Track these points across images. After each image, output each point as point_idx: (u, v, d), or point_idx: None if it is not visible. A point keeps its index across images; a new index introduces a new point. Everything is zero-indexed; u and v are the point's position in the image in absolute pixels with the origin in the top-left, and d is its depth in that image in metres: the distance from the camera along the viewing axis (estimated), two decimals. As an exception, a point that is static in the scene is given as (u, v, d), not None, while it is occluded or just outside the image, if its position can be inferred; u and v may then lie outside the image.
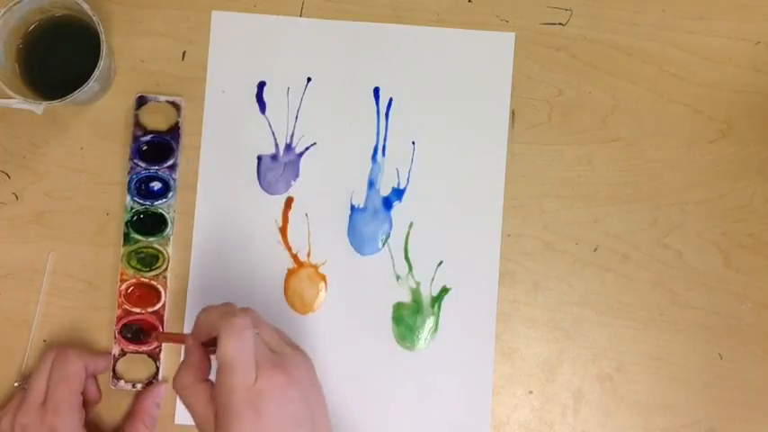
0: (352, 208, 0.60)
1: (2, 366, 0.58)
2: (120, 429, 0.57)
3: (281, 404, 0.45)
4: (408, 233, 0.60)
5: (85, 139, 0.60)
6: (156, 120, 0.60)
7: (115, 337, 0.58)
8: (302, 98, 0.61)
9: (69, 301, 0.59)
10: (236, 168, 0.60)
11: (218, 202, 0.60)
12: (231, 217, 0.60)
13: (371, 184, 0.60)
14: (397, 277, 0.60)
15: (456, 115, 0.61)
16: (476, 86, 0.61)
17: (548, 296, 0.60)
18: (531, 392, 0.60)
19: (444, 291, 0.60)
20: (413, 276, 0.60)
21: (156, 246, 0.59)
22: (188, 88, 0.60)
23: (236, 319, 0.46)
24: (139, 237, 0.58)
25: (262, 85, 0.61)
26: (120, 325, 0.58)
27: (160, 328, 0.58)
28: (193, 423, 0.47)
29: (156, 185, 0.59)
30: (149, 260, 0.59)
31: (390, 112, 0.61)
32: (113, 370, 0.58)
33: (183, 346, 0.54)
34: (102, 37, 0.53)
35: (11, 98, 0.54)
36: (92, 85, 0.54)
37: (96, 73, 0.53)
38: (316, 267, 0.60)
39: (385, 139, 0.61)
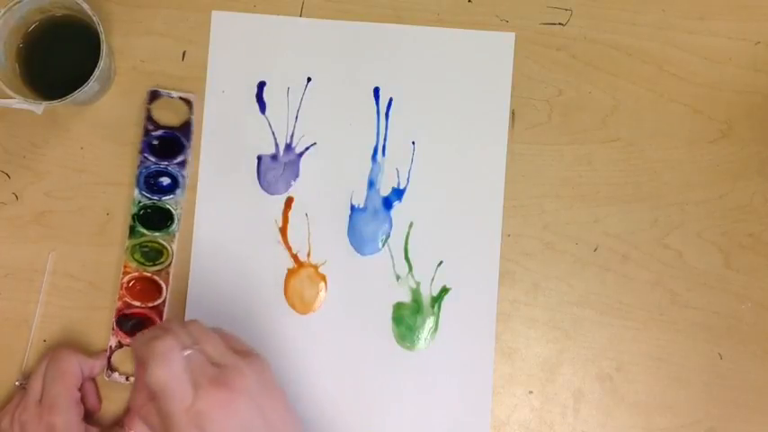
0: (352, 208, 0.60)
1: (2, 366, 0.58)
2: (120, 422, 0.58)
3: (225, 420, 0.44)
4: (408, 233, 0.60)
5: (85, 139, 0.60)
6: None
7: (113, 328, 0.58)
8: (302, 98, 0.61)
9: (69, 301, 0.59)
10: (236, 168, 0.60)
11: (218, 202, 0.60)
12: (231, 217, 0.60)
13: (371, 184, 0.60)
14: (397, 277, 0.60)
15: (456, 115, 0.61)
16: (476, 86, 0.61)
17: (548, 296, 0.60)
18: (531, 392, 0.60)
19: (444, 291, 0.60)
20: (413, 276, 0.60)
21: (160, 241, 0.59)
22: (188, 88, 0.60)
23: (157, 343, 0.45)
24: (145, 231, 0.59)
25: (262, 85, 0.61)
26: (118, 316, 0.58)
27: (159, 322, 0.58)
28: None
29: (165, 181, 0.59)
30: (153, 255, 0.59)
31: (390, 112, 0.61)
32: (108, 360, 0.58)
33: None
34: (102, 37, 0.54)
35: (11, 98, 0.54)
36: (92, 85, 0.54)
37: (96, 73, 0.53)
38: (316, 267, 0.60)
39: (385, 139, 0.61)
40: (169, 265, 0.59)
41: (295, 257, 0.60)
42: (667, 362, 0.60)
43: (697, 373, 0.60)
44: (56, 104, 0.54)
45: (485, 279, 0.60)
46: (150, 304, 0.58)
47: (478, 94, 0.61)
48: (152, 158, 0.59)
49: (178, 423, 0.44)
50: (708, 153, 0.61)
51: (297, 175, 0.60)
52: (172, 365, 0.45)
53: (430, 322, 0.59)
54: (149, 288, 0.59)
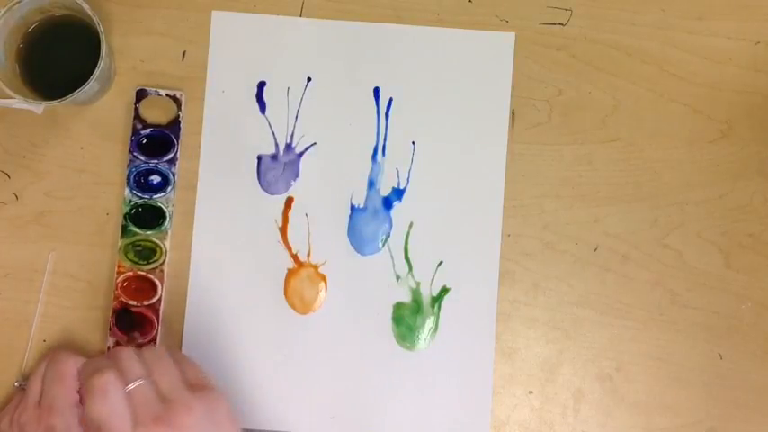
0: (352, 208, 0.60)
1: (2, 366, 0.58)
2: None
3: None
4: (408, 233, 0.60)
5: (85, 139, 0.60)
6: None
7: (110, 329, 0.58)
8: (302, 98, 0.61)
9: (69, 300, 0.59)
10: (236, 168, 0.60)
11: (218, 202, 0.60)
12: (231, 217, 0.60)
13: (371, 184, 0.60)
14: (397, 277, 0.60)
15: (456, 115, 0.61)
16: (476, 86, 0.61)
17: (548, 296, 0.60)
18: (531, 392, 0.60)
19: (444, 291, 0.60)
20: (413, 276, 0.60)
21: (153, 239, 0.59)
22: (188, 88, 0.60)
23: (95, 378, 0.45)
24: (137, 230, 0.59)
25: (262, 85, 0.61)
26: (114, 315, 0.58)
27: (156, 321, 0.58)
28: None
29: (156, 179, 0.59)
30: (147, 253, 0.59)
31: (390, 112, 0.61)
32: None
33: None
34: (102, 37, 0.53)
35: (11, 98, 0.54)
36: (92, 85, 0.54)
37: (96, 73, 0.53)
38: (316, 267, 0.60)
39: (385, 139, 0.61)
40: (163, 263, 0.59)
41: (295, 257, 0.60)
42: (667, 362, 0.60)
43: (697, 373, 0.60)
44: (56, 104, 0.54)
45: (485, 279, 0.60)
46: (146, 303, 0.58)
47: (478, 94, 0.61)
48: (141, 157, 0.59)
49: None
50: (708, 153, 0.61)
51: (297, 175, 0.60)
52: (110, 401, 0.45)
53: (430, 322, 0.59)
54: (144, 287, 0.58)
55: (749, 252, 0.60)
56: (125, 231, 0.59)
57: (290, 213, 0.60)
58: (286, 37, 0.61)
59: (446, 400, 0.59)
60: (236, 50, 0.61)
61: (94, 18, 0.53)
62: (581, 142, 0.61)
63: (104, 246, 0.59)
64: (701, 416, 0.59)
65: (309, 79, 0.61)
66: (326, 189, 0.60)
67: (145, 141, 0.59)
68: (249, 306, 0.59)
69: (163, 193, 0.59)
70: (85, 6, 0.53)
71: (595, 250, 0.60)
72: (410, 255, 0.60)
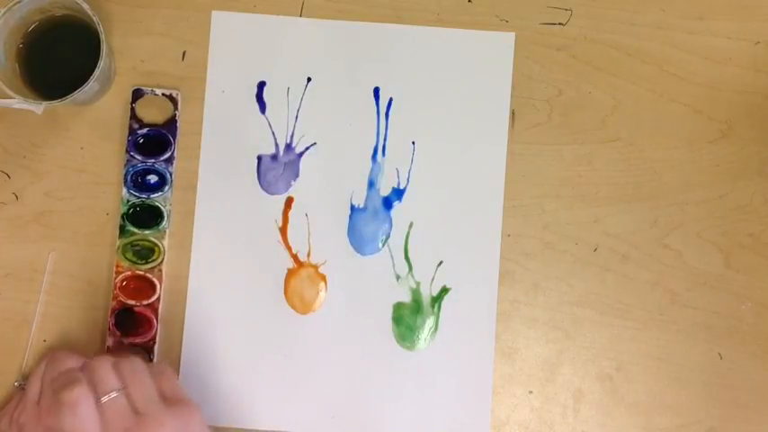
0: (352, 208, 0.60)
1: (2, 366, 0.58)
2: None
3: None
4: (408, 233, 0.60)
5: (85, 139, 0.60)
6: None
7: (109, 328, 0.58)
8: (302, 98, 0.61)
9: (69, 300, 0.59)
10: (236, 168, 0.60)
11: (218, 202, 0.60)
12: (231, 217, 0.60)
13: (371, 184, 0.60)
14: (397, 277, 0.60)
15: (456, 115, 0.61)
16: (476, 86, 0.61)
17: (548, 296, 0.60)
18: (531, 392, 0.60)
19: (444, 291, 0.60)
20: (413, 276, 0.60)
21: (151, 238, 0.59)
22: (188, 88, 0.60)
23: (65, 392, 0.45)
24: (135, 229, 0.59)
25: (262, 85, 0.61)
26: (114, 315, 0.58)
27: (155, 320, 0.58)
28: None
29: (153, 178, 0.59)
30: (145, 253, 0.59)
31: (390, 112, 0.61)
32: None
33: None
34: (103, 37, 0.53)
35: (11, 98, 0.54)
36: (92, 84, 0.54)
37: (96, 73, 0.53)
38: (316, 267, 0.60)
39: (385, 139, 0.61)
40: (161, 262, 0.59)
41: (295, 257, 0.60)
42: (667, 362, 0.60)
43: (697, 373, 0.60)
44: (56, 104, 0.54)
45: (485, 279, 0.60)
46: (145, 302, 0.58)
47: (478, 94, 0.61)
48: (138, 157, 0.59)
49: None
50: (708, 153, 0.61)
51: (297, 175, 0.60)
52: (79, 416, 0.45)
53: (430, 322, 0.59)
54: (143, 286, 0.58)
55: (749, 252, 0.60)
56: (123, 231, 0.59)
57: (290, 213, 0.60)
58: (286, 37, 0.61)
59: (446, 400, 0.59)
60: (236, 50, 0.61)
61: (94, 18, 0.53)
62: (581, 142, 0.61)
63: (104, 246, 0.59)
64: (701, 416, 0.59)
65: (309, 79, 0.61)
66: (326, 189, 0.60)
67: (141, 141, 0.59)
68: (249, 306, 0.59)
69: (160, 193, 0.59)
70: (85, 6, 0.53)
71: (595, 250, 0.60)
72: (410, 255, 0.60)
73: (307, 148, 0.61)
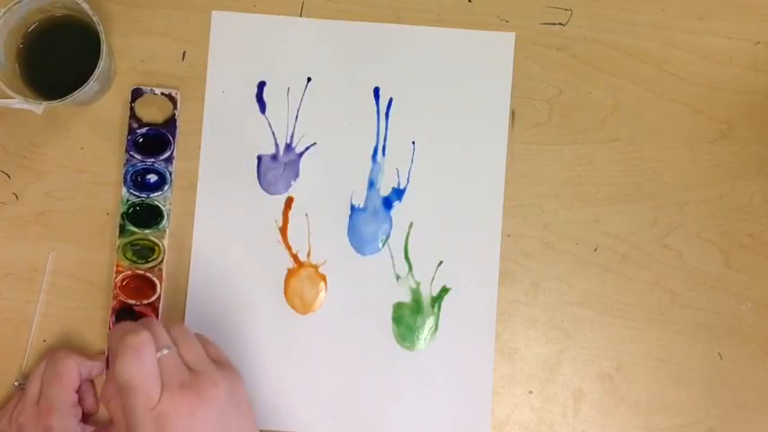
0: (353, 208, 0.60)
1: (2, 366, 0.58)
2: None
3: (187, 425, 0.43)
4: (408, 233, 0.60)
5: (85, 139, 0.60)
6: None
7: (110, 328, 0.58)
8: (302, 98, 0.61)
9: (69, 300, 0.59)
10: (236, 168, 0.60)
11: (218, 202, 0.60)
12: (231, 217, 0.60)
13: (371, 184, 0.60)
14: (397, 277, 0.60)
15: (456, 115, 0.61)
16: (476, 86, 0.61)
17: (548, 296, 0.60)
18: (531, 392, 0.60)
19: (444, 291, 0.60)
20: (413, 276, 0.60)
21: (151, 238, 0.59)
22: (188, 88, 0.60)
23: (129, 338, 0.45)
24: (135, 229, 0.59)
25: (262, 85, 0.61)
26: (114, 315, 0.58)
27: (155, 319, 0.58)
28: None
29: (153, 178, 0.59)
30: (145, 252, 0.59)
31: (390, 112, 0.61)
32: (107, 361, 0.58)
33: None
34: (103, 37, 0.53)
35: (11, 98, 0.54)
36: (92, 84, 0.54)
37: (96, 73, 0.53)
38: (316, 267, 0.60)
39: (385, 139, 0.61)
40: (161, 262, 0.59)
41: (295, 257, 0.60)
42: (667, 362, 0.60)
43: (697, 373, 0.60)
44: (56, 104, 0.54)
45: (485, 279, 0.60)
46: (145, 302, 0.58)
47: (478, 94, 0.61)
48: (138, 156, 0.59)
49: (140, 420, 0.43)
50: (708, 153, 0.61)
51: (297, 175, 0.60)
52: (142, 361, 0.45)
53: (430, 322, 0.59)
54: (143, 286, 0.59)
55: (749, 252, 0.60)
56: (123, 230, 0.59)
57: (290, 213, 0.60)
58: (286, 37, 0.61)
59: (446, 400, 0.59)
60: (236, 50, 0.61)
61: (94, 18, 0.53)
62: (581, 142, 0.61)
63: (104, 245, 0.59)
64: (701, 416, 0.59)
65: (309, 79, 0.61)
66: (326, 189, 0.60)
67: (141, 140, 0.59)
68: (249, 306, 0.59)
69: (160, 192, 0.59)
70: (85, 6, 0.53)
71: (595, 250, 0.60)
72: (410, 255, 0.60)
73: (307, 148, 0.61)
